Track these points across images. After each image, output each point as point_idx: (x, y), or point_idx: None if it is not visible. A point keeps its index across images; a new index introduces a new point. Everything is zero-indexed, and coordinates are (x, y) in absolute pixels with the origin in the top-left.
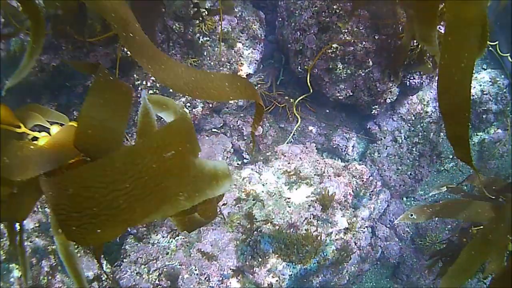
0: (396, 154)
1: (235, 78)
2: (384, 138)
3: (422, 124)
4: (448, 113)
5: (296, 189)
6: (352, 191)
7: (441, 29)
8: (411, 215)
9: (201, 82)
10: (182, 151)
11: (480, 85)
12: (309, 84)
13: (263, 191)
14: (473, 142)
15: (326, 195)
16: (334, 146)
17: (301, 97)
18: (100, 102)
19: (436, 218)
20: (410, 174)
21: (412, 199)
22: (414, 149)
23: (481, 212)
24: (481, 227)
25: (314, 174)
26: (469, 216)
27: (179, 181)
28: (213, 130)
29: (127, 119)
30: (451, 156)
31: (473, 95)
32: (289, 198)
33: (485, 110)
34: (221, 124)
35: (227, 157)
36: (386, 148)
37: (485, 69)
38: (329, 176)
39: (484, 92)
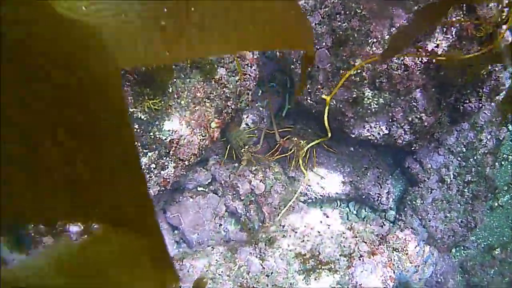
0: (443, 199)
1: None
2: (428, 179)
3: (475, 157)
4: None
5: (315, 278)
6: (394, 271)
7: None
8: None
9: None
10: None
11: None
12: (327, 124)
13: (267, 285)
14: None
15: None
16: (364, 196)
17: (313, 143)
18: None
19: (492, 271)
20: (461, 221)
21: (462, 248)
22: (466, 189)
23: None
24: None
25: (340, 255)
26: None
27: None
28: (199, 189)
29: None
30: (506, 188)
31: None
32: None
33: None
34: (209, 180)
35: (220, 224)
36: (431, 192)
37: None
38: (361, 256)
39: None
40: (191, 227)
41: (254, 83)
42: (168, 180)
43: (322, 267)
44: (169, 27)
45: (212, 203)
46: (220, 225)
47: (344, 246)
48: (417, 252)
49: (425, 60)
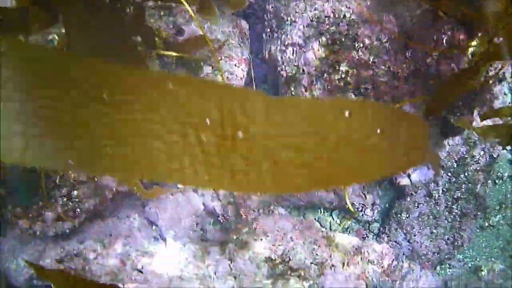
0: (430, 214)
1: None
2: (416, 192)
3: (466, 173)
4: None
5: (283, 285)
6: (367, 285)
7: None
8: None
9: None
10: None
11: None
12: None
13: (234, 287)
14: None
15: None
16: (347, 206)
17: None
18: None
19: None
20: (448, 238)
21: (448, 266)
22: (454, 206)
23: None
24: None
25: (311, 263)
26: None
27: None
28: (179, 186)
29: None
30: (498, 207)
31: None
32: None
33: None
34: None
35: (197, 223)
36: (418, 206)
37: None
38: (333, 266)
39: None
40: (168, 224)
41: (242, 83)
42: None
43: (292, 274)
44: (211, 147)
45: (191, 201)
46: (197, 224)
47: (316, 254)
48: (394, 266)
49: (414, 68)
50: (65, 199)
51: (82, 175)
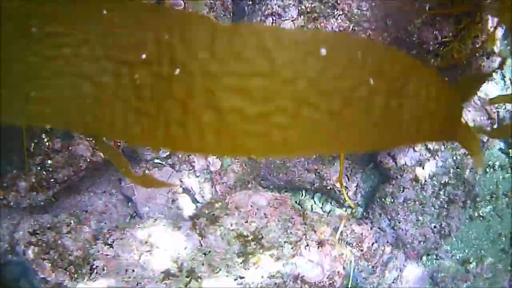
0: (416, 200)
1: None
2: (401, 176)
3: (454, 158)
4: None
5: (254, 263)
6: (344, 267)
7: None
8: None
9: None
10: None
11: None
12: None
13: (203, 264)
14: None
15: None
16: (329, 187)
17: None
18: None
19: (464, 285)
20: (435, 227)
21: (435, 257)
22: (442, 192)
23: None
24: None
25: (285, 242)
26: None
27: None
28: (156, 161)
29: None
30: (488, 197)
31: None
32: (242, 278)
33: None
34: (167, 153)
35: (173, 200)
36: (403, 191)
37: None
38: (308, 245)
39: None
40: (144, 200)
41: None
42: (119, 144)
43: (264, 252)
44: (145, 91)
45: (168, 177)
46: (173, 200)
47: (290, 232)
48: (374, 250)
49: (396, 36)
50: (38, 168)
51: (57, 143)
